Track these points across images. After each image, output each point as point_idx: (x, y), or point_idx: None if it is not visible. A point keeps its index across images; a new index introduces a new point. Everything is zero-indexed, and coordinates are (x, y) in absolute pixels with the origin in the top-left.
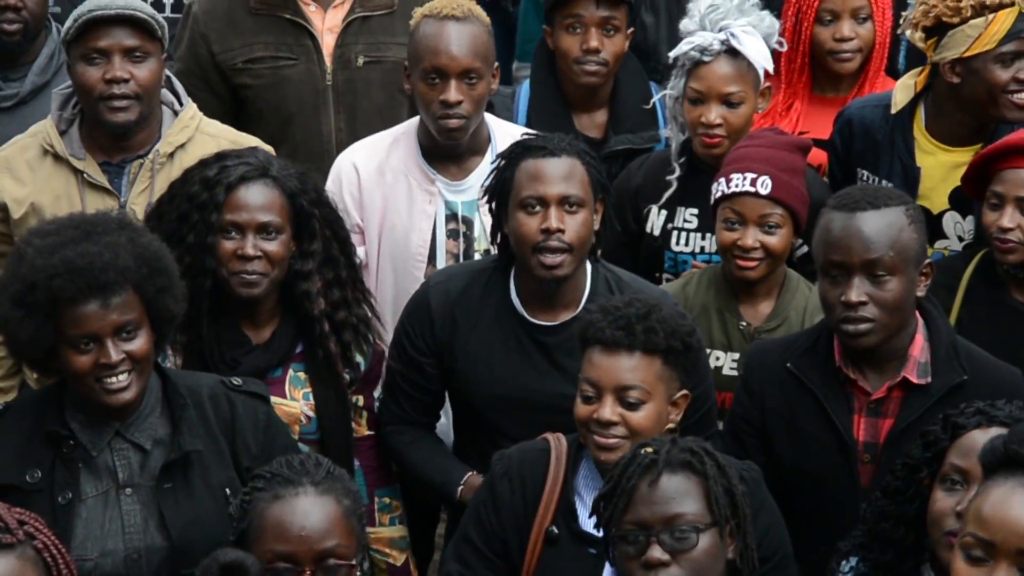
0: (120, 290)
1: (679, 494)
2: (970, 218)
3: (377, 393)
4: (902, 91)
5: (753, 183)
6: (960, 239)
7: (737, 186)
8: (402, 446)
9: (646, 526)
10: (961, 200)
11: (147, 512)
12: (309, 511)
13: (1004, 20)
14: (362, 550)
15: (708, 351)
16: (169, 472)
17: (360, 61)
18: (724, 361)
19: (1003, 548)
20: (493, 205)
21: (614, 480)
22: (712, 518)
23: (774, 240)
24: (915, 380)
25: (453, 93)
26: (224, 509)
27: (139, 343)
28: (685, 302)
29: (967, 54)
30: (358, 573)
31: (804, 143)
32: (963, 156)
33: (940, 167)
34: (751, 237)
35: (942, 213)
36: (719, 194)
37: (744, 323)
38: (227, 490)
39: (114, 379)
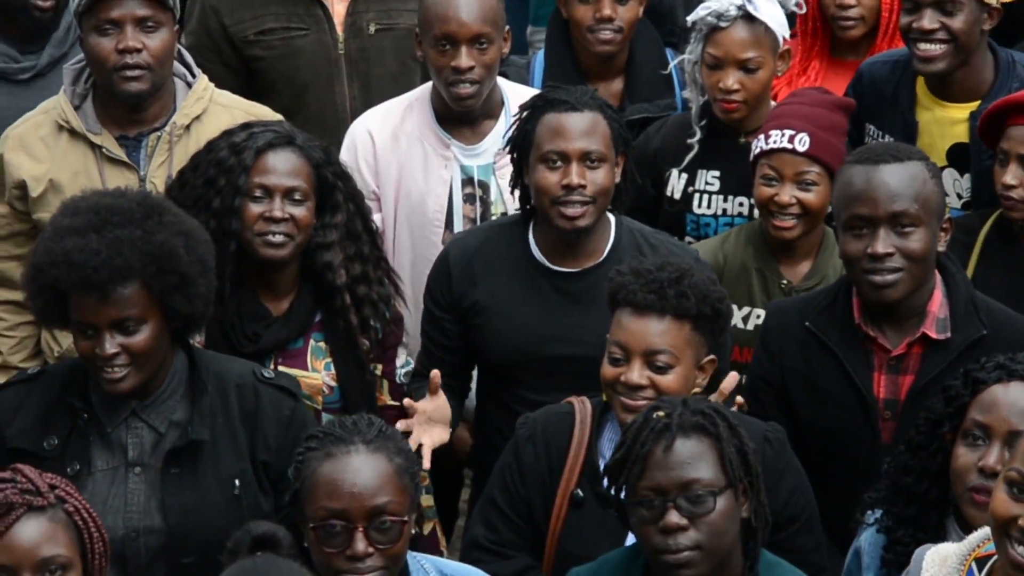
0: (120, 287)
1: (694, 458)
2: (967, 176)
3: (400, 362)
4: None
5: (791, 140)
6: (959, 196)
7: (775, 142)
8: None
9: (663, 491)
10: (959, 158)
11: (151, 493)
12: (360, 468)
13: None
14: (414, 508)
15: (748, 309)
16: (177, 457)
17: (372, 29)
18: None
19: None
20: (515, 156)
21: (627, 446)
22: (727, 480)
23: (811, 197)
24: (935, 336)
25: (464, 59)
26: (230, 500)
27: (140, 338)
28: (724, 260)
29: None
30: (413, 531)
31: (847, 103)
32: (958, 112)
33: (937, 123)
34: (787, 193)
35: (940, 170)
36: (757, 150)
37: (785, 281)
38: (236, 481)
39: (108, 370)
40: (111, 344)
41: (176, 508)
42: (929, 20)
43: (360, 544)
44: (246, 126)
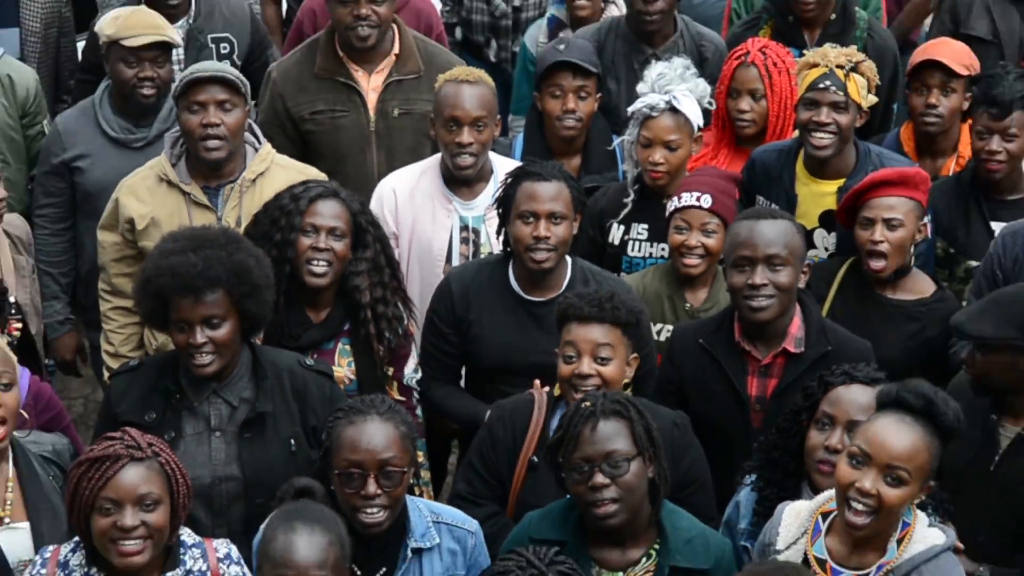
0: (210, 292)
1: (612, 435)
2: (833, 234)
3: (408, 369)
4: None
5: (698, 199)
6: (826, 249)
7: (686, 201)
8: (439, 398)
9: (590, 460)
10: (827, 221)
11: (229, 451)
12: (374, 432)
13: (812, 74)
14: (413, 464)
15: (661, 325)
16: (249, 426)
17: (396, 112)
18: None
19: (876, 460)
20: (499, 211)
21: (564, 428)
22: (637, 450)
23: (711, 241)
24: (793, 350)
25: (466, 136)
26: (288, 455)
27: (222, 332)
28: (643, 289)
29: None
30: (411, 481)
31: (736, 175)
32: (829, 187)
33: (812, 195)
34: (694, 238)
35: (812, 230)
36: (672, 208)
37: (688, 305)
38: (292, 441)
39: (198, 356)
40: (201, 335)
41: (250, 463)
42: (826, 116)
43: (371, 487)
44: (305, 182)
